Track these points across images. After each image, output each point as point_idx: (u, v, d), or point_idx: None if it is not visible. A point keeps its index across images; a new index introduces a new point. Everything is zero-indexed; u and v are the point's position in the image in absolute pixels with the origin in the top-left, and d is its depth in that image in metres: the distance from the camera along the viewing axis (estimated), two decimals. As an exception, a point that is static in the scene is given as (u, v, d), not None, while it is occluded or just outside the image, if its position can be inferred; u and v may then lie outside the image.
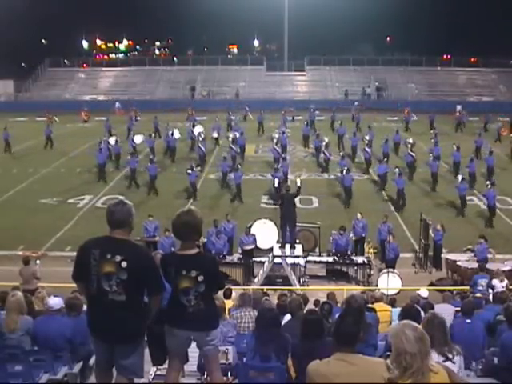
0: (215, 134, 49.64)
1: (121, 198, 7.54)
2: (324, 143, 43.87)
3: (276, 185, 27.16)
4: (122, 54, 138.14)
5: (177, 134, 46.94)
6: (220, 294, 13.61)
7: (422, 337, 5.46)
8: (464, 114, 62.16)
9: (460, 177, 33.89)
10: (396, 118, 64.41)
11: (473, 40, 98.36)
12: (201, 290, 7.25)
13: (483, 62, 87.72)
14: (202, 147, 43.51)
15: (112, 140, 44.50)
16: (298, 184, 24.79)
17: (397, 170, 35.03)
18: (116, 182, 39.16)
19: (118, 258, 6.74)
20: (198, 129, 49.56)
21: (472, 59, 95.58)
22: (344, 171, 35.38)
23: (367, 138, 44.84)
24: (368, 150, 42.28)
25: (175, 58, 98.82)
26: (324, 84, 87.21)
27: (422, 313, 10.68)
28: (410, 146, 42.74)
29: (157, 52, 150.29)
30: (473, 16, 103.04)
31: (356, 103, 68.61)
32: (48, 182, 39.22)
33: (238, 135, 45.92)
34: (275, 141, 44.48)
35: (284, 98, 78.52)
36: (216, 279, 7.56)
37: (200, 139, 45.43)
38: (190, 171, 35.78)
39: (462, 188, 32.94)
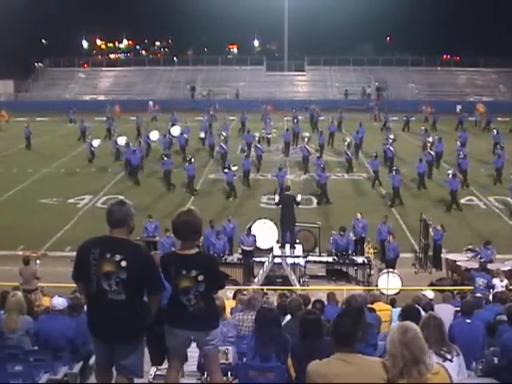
0: (202, 135, 49.74)
1: (120, 197, 7.56)
2: (346, 143, 44.11)
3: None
4: (122, 54, 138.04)
5: (154, 136, 47.22)
6: (221, 293, 13.62)
7: (407, 342, 5.47)
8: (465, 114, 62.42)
9: None
10: (396, 118, 64.34)
11: (473, 40, 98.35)
12: (201, 289, 7.25)
13: (483, 62, 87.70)
14: (224, 146, 43.60)
15: (95, 142, 44.79)
16: (299, 200, 24.87)
17: (450, 171, 35.14)
18: (116, 182, 39.15)
19: (118, 257, 6.75)
20: (175, 129, 49.78)
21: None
22: (394, 172, 35.32)
23: (391, 136, 45.25)
24: (392, 148, 42.42)
25: (175, 58, 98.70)
26: (324, 84, 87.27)
27: (423, 313, 10.67)
28: (429, 144, 43.12)
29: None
30: (473, 16, 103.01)
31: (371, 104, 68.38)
32: (48, 182, 39.24)
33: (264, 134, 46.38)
34: (306, 140, 44.58)
35: (284, 98, 78.65)
36: (216, 279, 7.56)
37: (222, 138, 45.77)
38: (226, 170, 36.04)
39: None
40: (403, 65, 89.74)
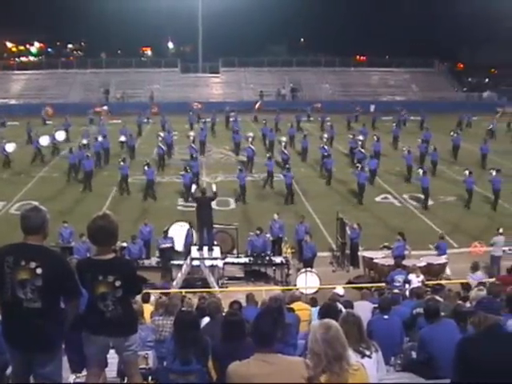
0: (123, 138, 49.35)
1: (35, 203, 7.39)
2: (283, 143, 44.59)
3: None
4: (34, 57, 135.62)
5: (44, 142, 46.76)
6: (140, 297, 13.51)
7: (330, 339, 5.53)
8: (404, 113, 64.06)
9: (494, 171, 34.80)
10: (312, 119, 65.11)
11: (385, 41, 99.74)
12: (118, 295, 7.17)
13: (396, 63, 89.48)
14: (163, 147, 43.90)
15: (9, 147, 44.22)
16: (214, 189, 24.78)
17: (420, 169, 35.95)
18: (29, 188, 38.44)
19: (33, 264, 6.60)
20: (59, 134, 49.82)
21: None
22: (359, 168, 35.90)
23: (360, 138, 46.02)
24: (363, 150, 43.47)
25: (88, 61, 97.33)
26: (239, 85, 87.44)
27: (344, 310, 10.76)
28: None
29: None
30: (384, 17, 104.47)
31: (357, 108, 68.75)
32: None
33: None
34: (283, 144, 44.58)
35: (199, 100, 78.37)
36: (133, 284, 7.49)
37: (159, 139, 45.81)
38: (183, 173, 36.15)
39: (496, 181, 34.00)
40: (317, 66, 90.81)
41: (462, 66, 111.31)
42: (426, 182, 34.34)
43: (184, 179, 35.76)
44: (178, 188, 37.60)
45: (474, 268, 21.41)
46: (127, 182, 37.59)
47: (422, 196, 34.81)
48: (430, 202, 34.50)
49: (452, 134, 48.17)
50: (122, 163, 37.93)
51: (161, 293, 19.45)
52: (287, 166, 37.31)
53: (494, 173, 34.53)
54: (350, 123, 60.88)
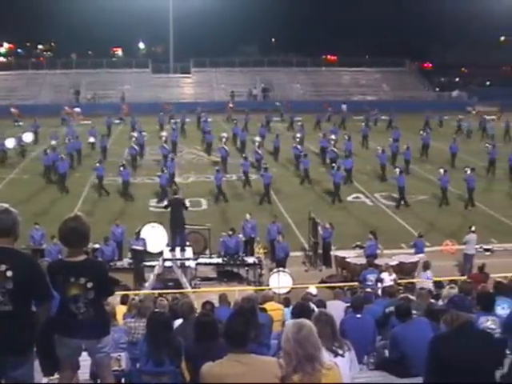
0: (92, 139, 49.26)
1: (5, 205, 7.30)
2: (257, 143, 44.73)
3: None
4: (3, 58, 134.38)
5: (10, 144, 46.75)
6: (112, 299, 13.42)
7: (301, 339, 5.53)
8: (376, 113, 64.74)
9: (469, 169, 35.28)
10: (284, 118, 65.20)
11: (356, 40, 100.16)
12: (90, 296, 7.11)
13: (367, 62, 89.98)
14: (136, 147, 44.16)
15: None
16: (187, 205, 24.84)
17: (397, 169, 36.29)
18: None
19: (3, 267, 6.51)
20: (27, 136, 49.88)
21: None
22: (336, 167, 36.04)
23: (333, 137, 46.36)
24: (335, 149, 43.57)
25: (58, 61, 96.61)
26: (210, 86, 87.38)
27: (317, 309, 10.76)
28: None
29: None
30: (354, 17, 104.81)
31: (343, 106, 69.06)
32: None
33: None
34: (257, 144, 44.59)
35: (170, 101, 78.14)
36: (105, 285, 7.43)
37: (133, 139, 46.08)
38: (160, 174, 36.11)
39: (471, 179, 34.50)
40: (288, 66, 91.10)
41: (431, 65, 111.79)
42: (402, 181, 34.53)
43: (161, 180, 35.66)
44: (150, 189, 37.52)
45: (425, 267, 21.62)
46: (102, 183, 37.38)
47: (397, 195, 34.95)
48: (403, 201, 34.62)
49: (421, 132, 48.64)
50: (97, 164, 37.79)
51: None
52: (264, 166, 37.24)
53: (468, 171, 34.79)
54: (319, 123, 60.92)
